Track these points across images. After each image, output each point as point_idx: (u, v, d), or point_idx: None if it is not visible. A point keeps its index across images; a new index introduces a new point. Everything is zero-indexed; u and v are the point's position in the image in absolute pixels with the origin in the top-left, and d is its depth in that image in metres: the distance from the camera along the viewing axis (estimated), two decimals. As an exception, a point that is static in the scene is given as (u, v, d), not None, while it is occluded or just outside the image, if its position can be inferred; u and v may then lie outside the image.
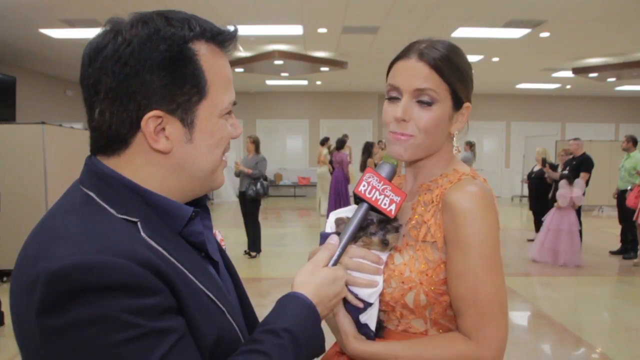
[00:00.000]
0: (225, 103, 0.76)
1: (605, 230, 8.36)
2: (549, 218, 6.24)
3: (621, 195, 6.80)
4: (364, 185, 0.92)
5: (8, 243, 4.90)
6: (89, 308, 0.58)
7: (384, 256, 0.97)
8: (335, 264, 0.88)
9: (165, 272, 0.65)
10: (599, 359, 3.61)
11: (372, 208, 0.93)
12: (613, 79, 10.55)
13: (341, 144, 8.67)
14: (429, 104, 0.95)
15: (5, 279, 5.36)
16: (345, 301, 0.96)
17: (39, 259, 0.62)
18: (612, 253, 6.82)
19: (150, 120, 0.69)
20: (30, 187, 5.23)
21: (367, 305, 0.96)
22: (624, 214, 6.65)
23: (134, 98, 0.68)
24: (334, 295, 0.84)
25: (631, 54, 8.67)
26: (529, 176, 7.68)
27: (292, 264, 6.12)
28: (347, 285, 0.93)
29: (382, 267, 0.97)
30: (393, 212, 0.92)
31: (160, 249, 0.68)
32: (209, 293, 0.72)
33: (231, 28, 0.77)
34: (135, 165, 0.72)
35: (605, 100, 14.32)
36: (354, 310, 0.97)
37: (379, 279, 0.96)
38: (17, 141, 5.27)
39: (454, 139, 1.02)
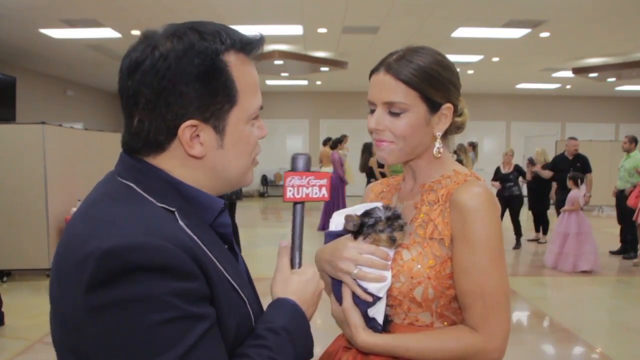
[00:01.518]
0: (254, 108, 0.80)
1: (606, 230, 8.36)
2: (561, 223, 6.01)
3: (620, 195, 6.79)
4: (289, 191, 0.93)
5: (8, 243, 4.91)
6: (136, 287, 0.62)
7: (391, 252, 1.01)
8: (300, 265, 0.92)
9: (202, 260, 0.69)
10: (599, 359, 3.61)
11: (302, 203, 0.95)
12: (613, 79, 10.54)
13: (334, 143, 8.64)
14: (400, 112, 1.00)
15: (5, 279, 5.36)
16: (354, 295, 1.00)
17: (90, 238, 0.65)
18: (612, 253, 6.82)
19: (186, 129, 0.74)
20: (30, 187, 5.23)
21: (376, 299, 0.99)
22: (624, 214, 6.65)
23: (171, 108, 0.73)
24: (312, 293, 0.88)
25: (631, 54, 8.67)
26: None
27: (292, 264, 6.14)
28: (357, 279, 0.99)
29: (389, 262, 1.00)
30: (327, 196, 0.95)
31: (195, 237, 0.72)
32: (234, 283, 0.76)
33: (257, 36, 0.81)
34: (171, 166, 0.77)
35: (605, 100, 14.31)
36: (363, 304, 1.00)
37: (387, 274, 1.00)
38: (17, 141, 5.27)
39: (437, 140, 1.05)
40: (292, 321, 0.80)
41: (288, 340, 0.77)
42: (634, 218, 6.09)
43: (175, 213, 0.73)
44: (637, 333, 4.07)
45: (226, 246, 0.84)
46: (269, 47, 8.63)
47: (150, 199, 0.73)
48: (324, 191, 0.95)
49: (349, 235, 1.03)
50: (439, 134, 1.04)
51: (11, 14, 6.35)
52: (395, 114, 1.01)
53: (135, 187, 0.74)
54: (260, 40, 0.81)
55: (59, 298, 0.69)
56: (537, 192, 7.45)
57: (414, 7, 6.20)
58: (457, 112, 1.07)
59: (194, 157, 0.76)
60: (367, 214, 1.01)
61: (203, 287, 0.68)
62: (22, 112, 8.48)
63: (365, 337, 0.99)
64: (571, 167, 6.82)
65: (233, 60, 0.76)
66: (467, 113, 1.11)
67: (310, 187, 0.95)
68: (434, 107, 1.02)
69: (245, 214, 11.23)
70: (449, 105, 1.03)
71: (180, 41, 0.73)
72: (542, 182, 7.27)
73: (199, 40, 0.74)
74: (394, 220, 1.00)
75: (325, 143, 9.88)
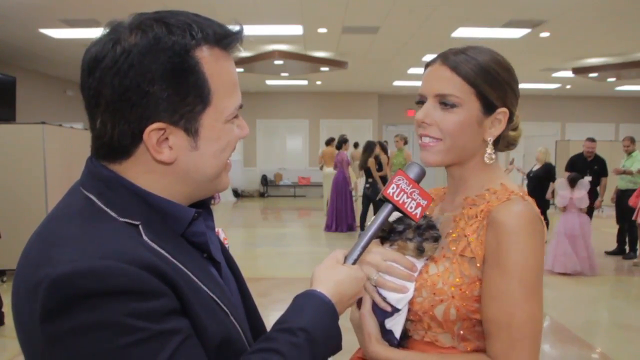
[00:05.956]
0: (231, 109, 0.74)
1: (605, 231, 8.36)
2: (560, 224, 5.96)
3: (620, 195, 6.79)
4: (393, 188, 0.90)
5: (8, 243, 4.89)
6: (92, 313, 0.58)
7: (418, 264, 0.95)
8: (354, 262, 0.87)
9: (168, 274, 0.64)
10: (599, 359, 3.61)
11: (397, 209, 0.91)
12: (613, 79, 10.54)
13: (340, 143, 8.66)
14: (452, 106, 0.94)
15: (5, 279, 5.36)
16: (373, 303, 0.95)
17: (41, 264, 0.61)
18: (608, 253, 6.79)
19: (152, 132, 0.68)
20: (30, 187, 5.23)
21: (395, 310, 0.94)
22: (622, 214, 6.64)
23: (135, 110, 0.66)
24: (352, 294, 0.83)
25: (631, 54, 8.67)
26: (528, 175, 7.68)
27: (292, 264, 6.14)
28: (377, 286, 0.93)
29: (415, 274, 0.94)
30: (418, 216, 0.91)
31: (162, 251, 0.67)
32: (212, 295, 0.71)
33: (235, 28, 0.74)
34: (137, 173, 0.71)
35: (605, 100, 14.32)
36: (381, 314, 0.95)
37: (410, 285, 0.93)
38: (17, 141, 5.27)
39: (489, 145, 0.97)
40: (316, 320, 0.74)
41: (306, 340, 0.71)
42: (633, 217, 6.08)
43: (140, 227, 0.68)
44: (637, 333, 4.07)
45: (205, 255, 0.79)
46: (269, 47, 8.63)
47: (112, 213, 0.67)
48: (418, 211, 0.90)
49: (376, 240, 0.97)
50: (490, 138, 0.97)
51: (11, 14, 6.35)
52: (446, 108, 0.94)
53: (97, 201, 0.68)
54: (238, 33, 0.73)
55: (18, 326, 0.66)
56: (536, 192, 7.45)
57: (414, 7, 6.20)
58: (511, 123, 0.99)
59: (162, 163, 0.70)
60: (400, 220, 0.95)
61: (170, 302, 0.63)
62: (22, 112, 8.48)
63: (377, 349, 0.93)
64: (587, 169, 6.79)
65: (206, 57, 0.69)
66: (522, 130, 1.03)
67: (410, 198, 0.90)
68: (488, 107, 0.95)
69: (245, 214, 11.23)
70: (504, 109, 0.95)
71: (145, 35, 0.66)
72: (541, 182, 7.26)
73: (166, 35, 0.66)
74: (425, 229, 0.94)
75: (328, 143, 9.87)
